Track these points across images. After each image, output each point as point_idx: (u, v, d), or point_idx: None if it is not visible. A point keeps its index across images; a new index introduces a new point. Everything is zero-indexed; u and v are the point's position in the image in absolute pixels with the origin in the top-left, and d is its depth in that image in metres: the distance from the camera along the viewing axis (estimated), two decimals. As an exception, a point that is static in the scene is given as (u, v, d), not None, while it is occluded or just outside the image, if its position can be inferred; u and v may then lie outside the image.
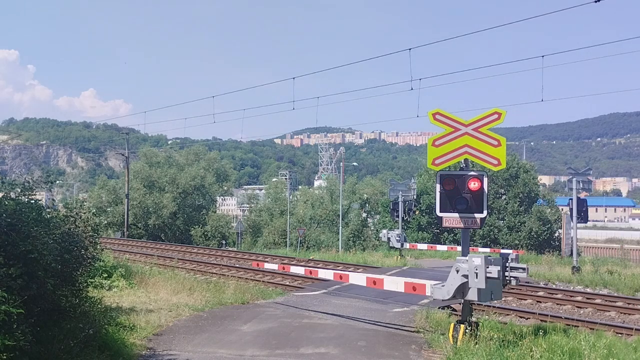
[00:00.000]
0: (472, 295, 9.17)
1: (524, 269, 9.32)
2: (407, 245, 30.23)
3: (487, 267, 8.85)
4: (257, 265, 17.99)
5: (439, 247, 31.61)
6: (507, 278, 9.29)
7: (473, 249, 27.71)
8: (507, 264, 9.28)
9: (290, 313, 12.91)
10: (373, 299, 15.54)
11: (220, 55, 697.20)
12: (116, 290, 14.48)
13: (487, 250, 29.99)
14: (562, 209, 40.88)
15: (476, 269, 8.87)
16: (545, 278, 22.72)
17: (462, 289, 9.24)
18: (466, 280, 9.09)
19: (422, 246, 33.15)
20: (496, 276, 8.88)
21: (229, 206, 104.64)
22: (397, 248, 29.84)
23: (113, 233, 56.18)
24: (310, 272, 14.60)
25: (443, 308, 13.67)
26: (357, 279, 12.36)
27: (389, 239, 29.52)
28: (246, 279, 20.81)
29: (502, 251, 8.80)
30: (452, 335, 9.43)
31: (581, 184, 25.80)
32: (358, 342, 10.01)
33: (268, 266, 18.30)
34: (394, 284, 11.03)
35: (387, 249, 34.27)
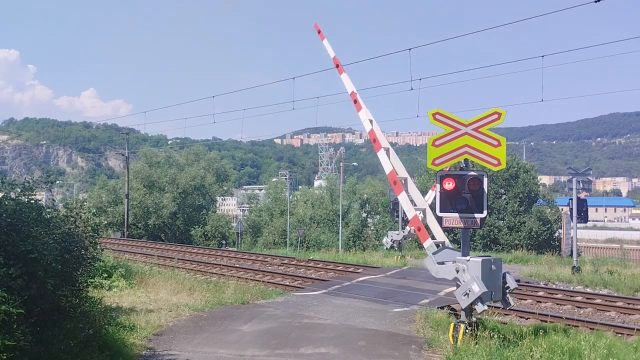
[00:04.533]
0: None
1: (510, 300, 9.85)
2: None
3: (478, 303, 9.09)
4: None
5: None
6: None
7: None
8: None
9: (290, 313, 12.91)
10: (373, 299, 15.54)
11: (220, 55, 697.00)
12: (116, 290, 14.48)
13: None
14: (562, 209, 40.89)
15: (469, 290, 9.02)
16: (545, 278, 22.72)
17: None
18: (458, 284, 9.32)
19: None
20: (479, 312, 9.24)
21: (229, 206, 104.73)
22: (397, 248, 29.84)
23: (113, 233, 56.17)
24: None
25: (443, 308, 13.66)
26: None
27: (397, 242, 28.85)
28: (246, 279, 20.82)
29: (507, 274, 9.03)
30: (452, 335, 9.44)
31: (581, 184, 25.81)
32: (358, 342, 10.01)
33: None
34: (406, 204, 10.36)
35: (387, 249, 34.19)
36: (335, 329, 11.23)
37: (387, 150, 11.11)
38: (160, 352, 9.02)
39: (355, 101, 11.79)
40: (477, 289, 8.91)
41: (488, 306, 9.41)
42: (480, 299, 9.04)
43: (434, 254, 9.77)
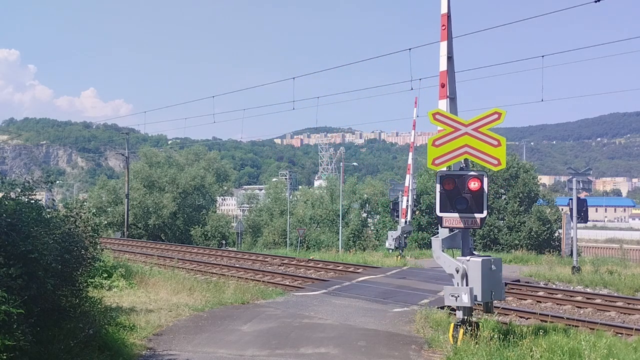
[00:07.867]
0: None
1: None
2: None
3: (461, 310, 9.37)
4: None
5: None
6: None
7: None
8: None
9: (290, 313, 12.91)
10: (373, 299, 15.54)
11: (220, 55, 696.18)
12: (116, 290, 14.48)
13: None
14: (562, 209, 40.88)
15: (458, 296, 9.14)
16: (545, 278, 22.71)
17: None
18: (453, 280, 9.46)
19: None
20: (457, 317, 9.46)
21: (229, 206, 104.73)
22: (397, 248, 29.84)
23: (113, 233, 56.15)
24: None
25: (443, 308, 13.66)
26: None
27: (398, 240, 28.86)
28: (246, 279, 20.82)
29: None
30: (452, 335, 9.44)
31: (581, 184, 25.81)
32: (358, 342, 10.01)
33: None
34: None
35: (393, 250, 34.14)
36: (335, 329, 11.24)
37: (452, 102, 10.20)
38: (160, 352, 9.02)
39: (444, 27, 9.99)
40: (466, 301, 9.06)
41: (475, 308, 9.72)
42: (464, 308, 9.29)
43: (444, 238, 9.79)
